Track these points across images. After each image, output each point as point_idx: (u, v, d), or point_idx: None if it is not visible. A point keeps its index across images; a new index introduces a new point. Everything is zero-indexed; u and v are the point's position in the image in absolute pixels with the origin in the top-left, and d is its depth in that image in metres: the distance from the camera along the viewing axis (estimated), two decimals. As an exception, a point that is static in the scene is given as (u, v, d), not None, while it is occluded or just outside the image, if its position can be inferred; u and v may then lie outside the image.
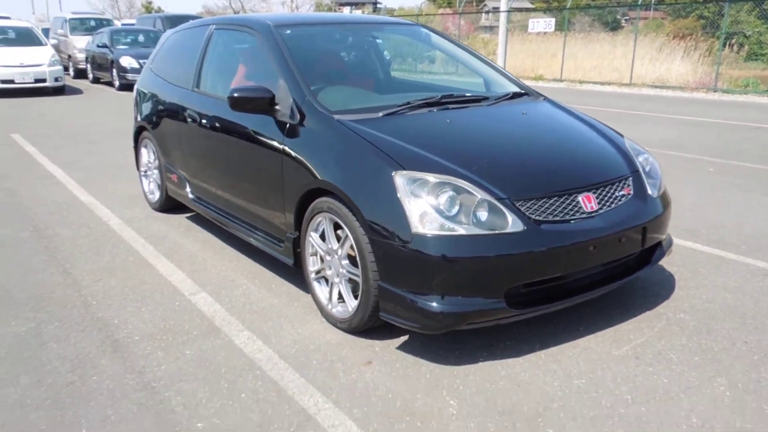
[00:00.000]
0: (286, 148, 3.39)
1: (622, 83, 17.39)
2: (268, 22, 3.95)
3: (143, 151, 5.38)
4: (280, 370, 2.85)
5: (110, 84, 16.80)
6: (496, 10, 26.91)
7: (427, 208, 2.73)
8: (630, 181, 3.25)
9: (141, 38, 17.55)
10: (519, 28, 23.91)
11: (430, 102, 3.56)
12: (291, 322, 3.31)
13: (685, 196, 5.73)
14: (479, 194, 2.78)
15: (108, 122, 10.57)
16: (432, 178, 2.81)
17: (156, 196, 5.27)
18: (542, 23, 19.52)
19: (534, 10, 35.83)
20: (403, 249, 2.74)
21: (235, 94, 3.44)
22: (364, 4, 69.17)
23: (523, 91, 4.08)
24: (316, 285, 3.34)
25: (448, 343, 3.06)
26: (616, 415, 2.51)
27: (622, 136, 3.68)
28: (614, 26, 29.21)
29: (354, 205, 2.92)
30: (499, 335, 3.14)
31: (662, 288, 3.72)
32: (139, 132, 5.40)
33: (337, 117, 3.27)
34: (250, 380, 2.77)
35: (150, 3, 44.07)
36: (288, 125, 3.42)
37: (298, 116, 3.37)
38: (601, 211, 3.02)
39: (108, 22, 21.10)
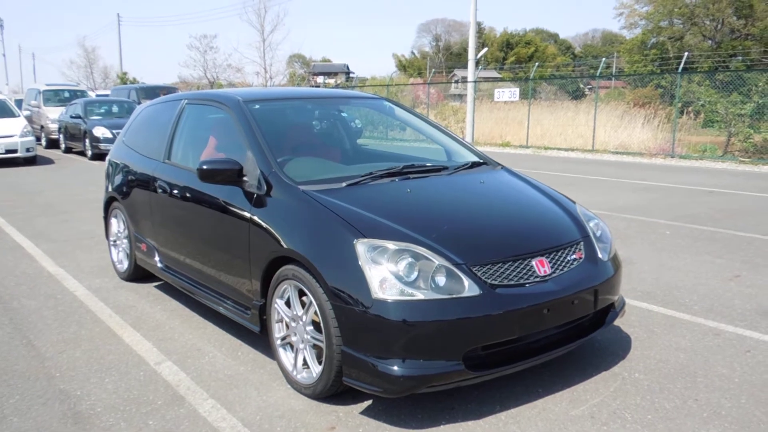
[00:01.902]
0: (254, 218, 3.50)
1: (585, 149, 18.00)
2: (237, 98, 4.13)
3: (113, 221, 5.44)
4: (244, 437, 2.87)
5: (82, 153, 16.88)
6: (464, 80, 27.91)
7: (387, 274, 2.85)
8: (581, 245, 3.42)
9: (115, 109, 17.80)
10: (487, 97, 24.76)
11: (392, 172, 3.73)
12: (257, 389, 3.35)
13: (644, 259, 5.94)
14: (437, 260, 2.92)
15: (80, 192, 10.60)
16: (392, 245, 2.94)
17: (125, 265, 5.31)
18: (507, 93, 20.30)
19: (501, 80, 37.18)
20: (364, 314, 2.84)
21: (204, 166, 3.57)
22: (336, 73, 71.03)
23: (481, 161, 4.28)
24: (281, 351, 3.40)
25: (411, 407, 3.12)
26: (571, 474, 2.58)
27: (574, 202, 3.87)
28: (577, 95, 30.36)
29: (317, 272, 3.03)
30: (462, 398, 3.21)
31: (619, 348, 3.85)
32: (109, 202, 5.48)
33: (302, 188, 3.41)
34: (214, 449, 2.79)
35: (125, 74, 44.70)
36: (255, 196, 3.55)
37: (265, 187, 3.51)
38: (554, 275, 3.16)
39: (82, 93, 21.37)
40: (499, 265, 3.04)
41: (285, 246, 3.25)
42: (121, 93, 21.03)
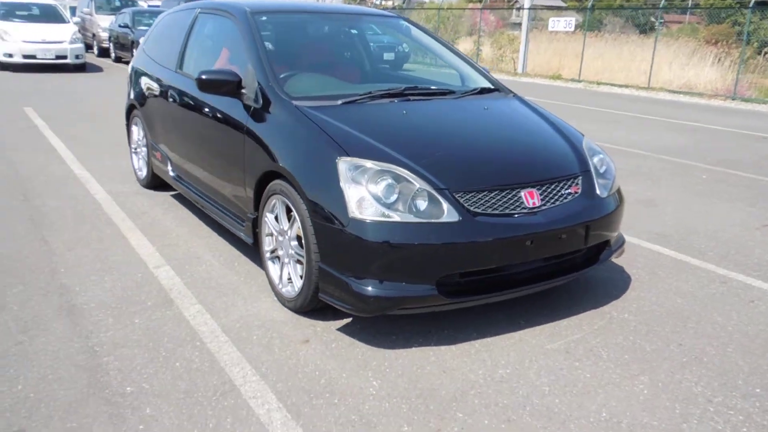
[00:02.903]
0: (249, 131, 3.50)
1: (640, 87, 17.21)
2: (245, 8, 4.06)
3: (133, 128, 5.54)
4: (220, 343, 2.97)
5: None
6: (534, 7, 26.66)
7: (366, 194, 2.82)
8: (579, 180, 3.31)
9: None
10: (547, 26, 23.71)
11: (393, 93, 3.65)
12: (244, 299, 3.43)
13: (669, 201, 5.74)
14: (418, 183, 2.87)
15: (121, 101, 10.77)
16: (374, 165, 2.90)
17: (144, 173, 5.43)
18: (562, 22, 19.38)
19: (564, 8, 35.44)
20: (341, 233, 2.84)
21: (203, 76, 3.56)
22: (395, -5, 68.92)
23: (493, 88, 4.14)
24: (270, 264, 3.46)
25: (387, 327, 3.16)
26: (528, 404, 2.59)
27: (582, 135, 3.73)
28: (646, 29, 28.81)
29: (300, 188, 3.03)
30: (439, 323, 3.22)
31: (615, 288, 3.78)
32: (130, 110, 5.56)
33: (296, 103, 3.37)
34: (188, 350, 2.89)
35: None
36: (252, 109, 3.53)
37: (261, 101, 3.48)
38: (543, 208, 3.08)
39: (132, 3, 21.39)
40: (485, 193, 2.97)
41: (274, 161, 3.25)
42: (171, 4, 20.96)
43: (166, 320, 3.17)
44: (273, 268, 3.44)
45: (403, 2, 58.67)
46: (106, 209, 4.88)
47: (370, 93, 3.60)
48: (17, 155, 6.58)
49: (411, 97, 3.65)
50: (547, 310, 3.43)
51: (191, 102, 4.22)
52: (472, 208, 2.91)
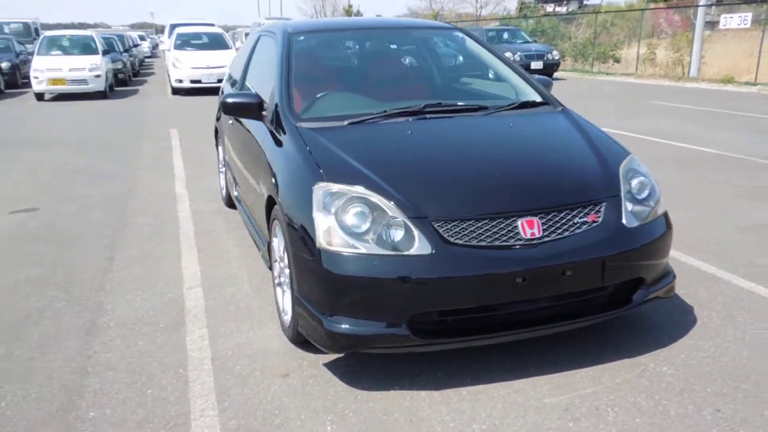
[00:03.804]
0: (264, 153, 3.47)
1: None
2: (286, 28, 4.06)
3: (219, 149, 5.79)
4: (201, 372, 2.95)
5: None
6: (715, 3, 24.16)
7: (333, 223, 2.66)
8: (602, 207, 2.86)
9: None
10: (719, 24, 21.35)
11: (410, 111, 3.43)
12: (251, 325, 3.40)
13: (796, 227, 4.85)
14: (391, 212, 2.65)
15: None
16: (348, 191, 2.72)
17: (224, 192, 5.65)
18: (736, 19, 17.36)
19: (752, 1, 31.81)
20: (310, 263, 2.70)
21: (227, 100, 3.61)
22: (568, 1, 66.35)
23: (540, 101, 3.76)
24: (277, 290, 3.40)
25: (376, 365, 2.94)
26: (484, 470, 2.26)
27: (628, 154, 3.24)
28: None
29: (283, 214, 2.94)
30: (434, 364, 2.94)
31: (667, 332, 3.22)
32: (216, 131, 5.82)
33: (303, 124, 3.29)
34: (168, 378, 2.90)
35: (350, 7, 46.45)
36: (269, 131, 3.51)
37: (274, 123, 3.44)
38: (546, 239, 2.70)
39: None
40: (471, 222, 2.66)
41: (273, 184, 3.19)
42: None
43: (166, 344, 3.22)
44: (279, 295, 3.37)
45: (579, 6, 56.44)
46: (181, 227, 5.13)
47: (385, 112, 3.41)
48: (141, 173, 7.19)
49: (428, 116, 3.40)
50: (568, 357, 3.00)
51: (240, 124, 4.31)
52: (453, 239, 2.62)
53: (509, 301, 2.68)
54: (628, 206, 2.91)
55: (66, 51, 16.74)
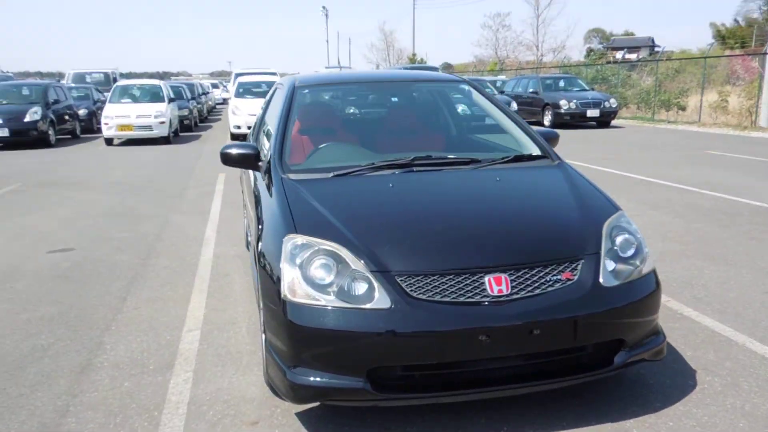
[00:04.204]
0: (258, 202, 3.55)
1: None
2: (294, 82, 4.18)
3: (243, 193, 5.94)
4: (174, 416, 2.98)
5: None
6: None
7: (297, 274, 2.67)
8: (579, 265, 2.77)
9: None
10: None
11: (398, 164, 3.44)
12: (236, 370, 3.42)
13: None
14: (354, 265, 2.65)
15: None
16: (316, 244, 2.74)
17: (245, 235, 5.78)
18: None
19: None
20: (275, 313, 2.73)
21: (224, 150, 3.72)
22: (639, 47, 65.45)
23: (538, 155, 3.71)
24: (263, 336, 3.41)
25: (349, 416, 2.90)
26: None
27: (617, 210, 3.14)
28: None
29: (258, 263, 2.99)
30: (407, 418, 2.87)
31: (662, 396, 3.05)
32: (241, 177, 5.99)
33: (289, 176, 3.35)
34: (141, 420, 2.95)
35: (414, 55, 47.37)
36: (264, 181, 3.59)
37: (267, 173, 3.52)
38: (515, 296, 2.63)
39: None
40: (436, 277, 2.63)
41: (257, 232, 3.25)
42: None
43: (149, 386, 3.28)
44: (263, 341, 3.38)
45: (650, 54, 55.59)
46: (199, 271, 5.26)
47: (372, 164, 3.44)
48: (176, 217, 7.44)
49: (416, 168, 3.41)
50: (549, 417, 2.88)
51: (248, 173, 4.42)
52: (415, 294, 2.59)
53: (473, 359, 2.61)
54: (608, 264, 2.81)
55: (135, 99, 17.71)
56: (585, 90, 20.77)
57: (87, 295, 4.69)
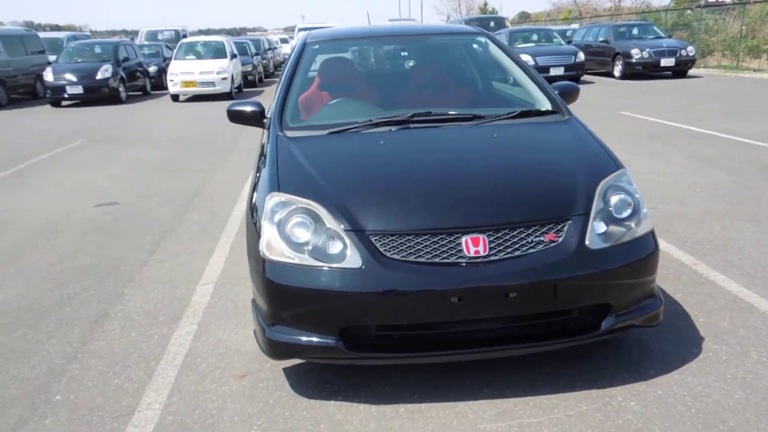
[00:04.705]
0: (259, 160, 3.57)
1: None
2: (306, 37, 4.14)
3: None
4: (169, 366, 3.09)
5: None
6: None
7: (275, 232, 2.69)
8: (565, 226, 2.65)
9: (535, 37, 19.65)
10: None
11: (396, 120, 3.37)
12: (238, 325, 3.51)
13: None
14: (329, 223, 2.63)
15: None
16: (296, 202, 2.74)
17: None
18: None
19: None
20: (256, 270, 2.76)
21: (230, 108, 3.74)
22: None
23: (550, 110, 3.55)
24: (262, 294, 3.48)
25: (332, 374, 2.93)
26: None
27: (618, 168, 2.96)
28: None
29: (250, 220, 3.02)
30: (389, 378, 2.88)
31: (659, 364, 2.92)
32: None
33: (286, 133, 3.34)
34: (138, 369, 3.08)
35: (485, 4, 45.91)
36: (264, 138, 3.60)
37: (269, 130, 3.53)
38: (493, 258, 2.55)
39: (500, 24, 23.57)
40: (411, 237, 2.58)
41: (252, 189, 3.27)
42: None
43: (154, 337, 3.41)
44: (257, 298, 3.45)
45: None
46: (228, 226, 5.39)
47: (370, 120, 3.38)
48: (220, 174, 7.62)
49: (412, 125, 3.33)
50: (533, 381, 2.82)
51: None
52: (389, 254, 2.56)
53: (446, 321, 2.57)
54: (598, 226, 2.68)
55: (199, 55, 18.04)
56: (660, 38, 19.58)
57: (120, 248, 4.89)
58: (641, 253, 2.72)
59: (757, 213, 5.17)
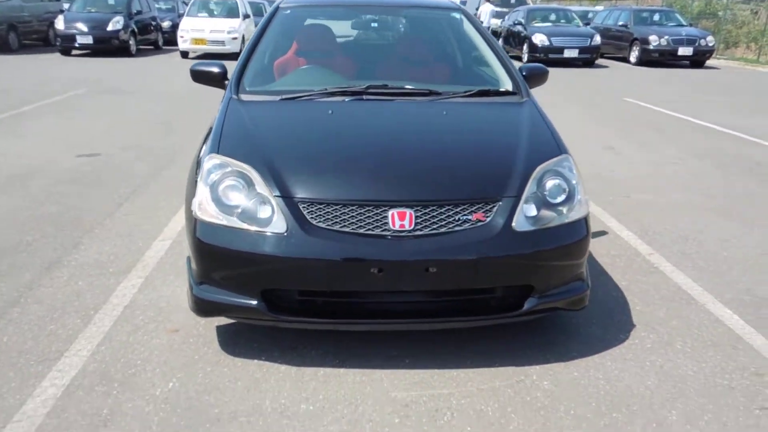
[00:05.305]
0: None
1: None
2: (280, 2, 4.12)
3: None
4: (106, 317, 3.15)
5: (519, 58, 18.24)
6: None
7: (207, 193, 2.72)
8: (495, 207, 2.65)
9: (553, 17, 19.46)
10: None
11: (351, 90, 3.37)
12: (185, 281, 3.55)
13: None
14: (260, 188, 2.66)
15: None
16: (230, 165, 2.76)
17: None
18: None
19: None
20: (189, 229, 2.80)
21: (193, 67, 3.75)
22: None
23: (509, 90, 3.54)
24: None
25: (263, 334, 2.99)
26: (270, 450, 2.25)
27: (560, 153, 2.95)
28: None
29: (189, 180, 3.05)
30: (319, 343, 2.93)
31: (590, 347, 2.95)
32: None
33: (241, 96, 3.37)
34: (74, 318, 3.13)
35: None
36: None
37: (227, 93, 3.54)
38: (418, 233, 2.57)
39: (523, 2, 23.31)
40: (339, 206, 2.60)
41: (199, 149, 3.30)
42: None
43: (99, 287, 3.47)
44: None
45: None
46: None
47: (325, 89, 3.38)
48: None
49: (365, 97, 3.33)
50: (453, 356, 2.86)
51: None
52: (315, 222, 2.58)
53: (367, 291, 2.61)
54: (527, 209, 2.68)
55: (211, 13, 17.95)
56: (681, 25, 19.19)
57: (90, 199, 4.95)
58: (568, 239, 2.73)
59: (730, 208, 5.13)
